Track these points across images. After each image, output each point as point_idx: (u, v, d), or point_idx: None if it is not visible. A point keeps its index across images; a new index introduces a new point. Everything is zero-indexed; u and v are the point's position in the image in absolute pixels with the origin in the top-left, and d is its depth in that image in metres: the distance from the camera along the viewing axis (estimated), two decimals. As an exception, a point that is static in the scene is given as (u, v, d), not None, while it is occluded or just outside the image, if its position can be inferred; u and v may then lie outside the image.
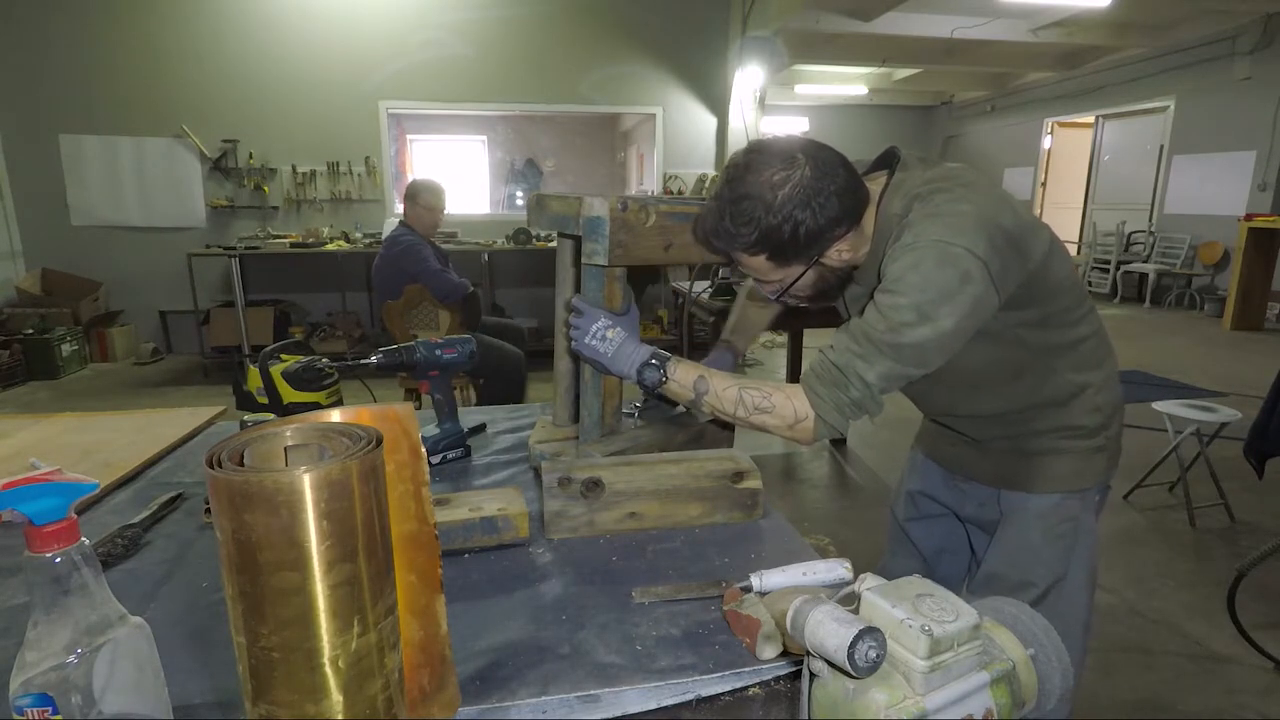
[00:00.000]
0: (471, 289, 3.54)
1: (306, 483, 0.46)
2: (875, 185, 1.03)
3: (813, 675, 0.55)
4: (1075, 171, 10.16)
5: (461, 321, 3.46)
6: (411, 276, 3.41)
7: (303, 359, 1.16)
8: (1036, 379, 1.07)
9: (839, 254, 1.00)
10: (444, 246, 4.00)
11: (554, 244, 1.32)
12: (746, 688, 0.69)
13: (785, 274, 1.01)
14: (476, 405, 3.32)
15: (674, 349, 1.07)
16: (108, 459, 1.26)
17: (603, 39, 6.42)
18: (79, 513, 0.57)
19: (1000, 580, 1.13)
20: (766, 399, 0.97)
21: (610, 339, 1.03)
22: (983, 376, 1.08)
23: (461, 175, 10.16)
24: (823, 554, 0.93)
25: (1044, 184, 10.58)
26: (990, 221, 0.91)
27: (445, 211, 3.58)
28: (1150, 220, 8.73)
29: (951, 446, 1.24)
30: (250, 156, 6.02)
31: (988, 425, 1.15)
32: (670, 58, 6.56)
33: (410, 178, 9.66)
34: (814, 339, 5.12)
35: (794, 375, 4.56)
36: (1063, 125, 10.40)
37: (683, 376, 1.01)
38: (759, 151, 0.95)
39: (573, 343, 1.06)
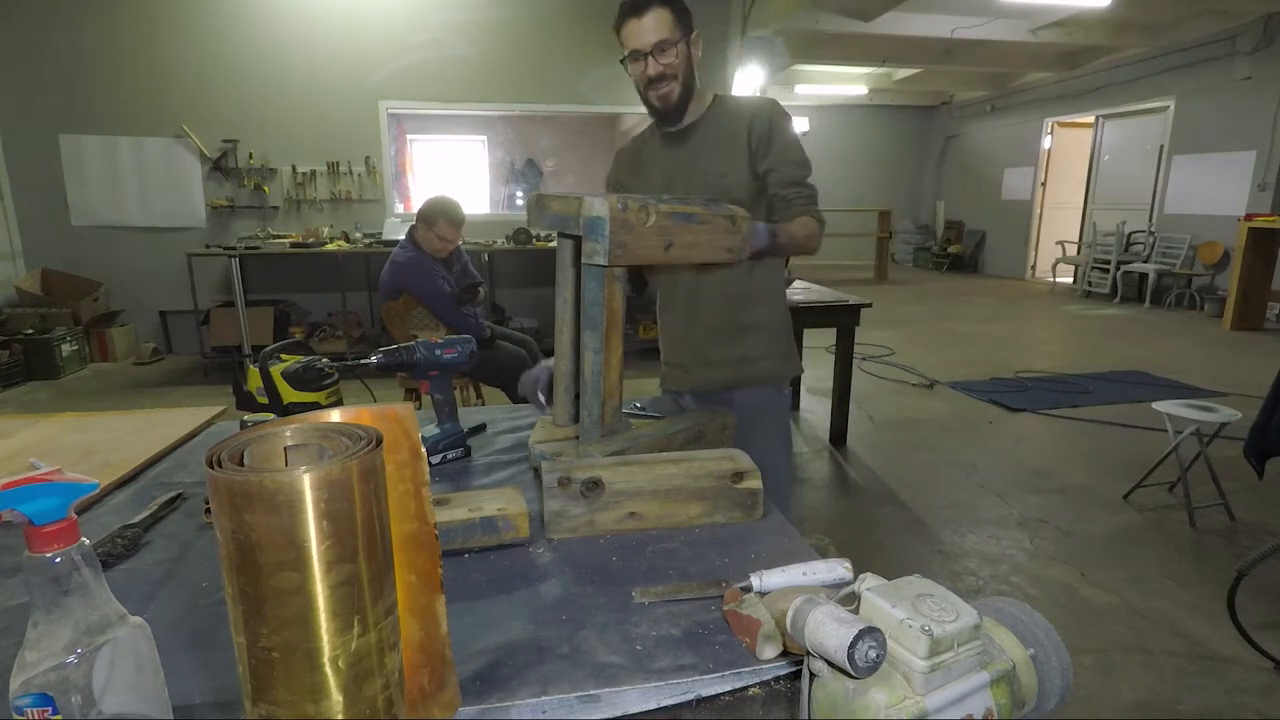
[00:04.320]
0: (489, 332, 3.38)
1: (306, 483, 0.46)
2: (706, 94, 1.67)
3: (813, 675, 0.55)
4: (1075, 171, 10.16)
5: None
6: (426, 305, 3.28)
7: (303, 359, 1.16)
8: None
9: (695, 52, 1.58)
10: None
11: (554, 244, 1.32)
12: (746, 688, 0.69)
13: (675, 35, 1.52)
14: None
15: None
16: (108, 459, 1.26)
17: (603, 39, 6.37)
18: (79, 513, 0.58)
19: None
20: (803, 226, 1.53)
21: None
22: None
23: (462, 175, 10.17)
24: (823, 554, 0.93)
25: (1044, 184, 10.58)
26: None
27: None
28: (1150, 220, 8.73)
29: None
30: (250, 156, 6.02)
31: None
32: (670, 58, 6.56)
33: (411, 178, 9.71)
34: (814, 338, 5.09)
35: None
36: (1063, 125, 10.41)
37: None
38: None
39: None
